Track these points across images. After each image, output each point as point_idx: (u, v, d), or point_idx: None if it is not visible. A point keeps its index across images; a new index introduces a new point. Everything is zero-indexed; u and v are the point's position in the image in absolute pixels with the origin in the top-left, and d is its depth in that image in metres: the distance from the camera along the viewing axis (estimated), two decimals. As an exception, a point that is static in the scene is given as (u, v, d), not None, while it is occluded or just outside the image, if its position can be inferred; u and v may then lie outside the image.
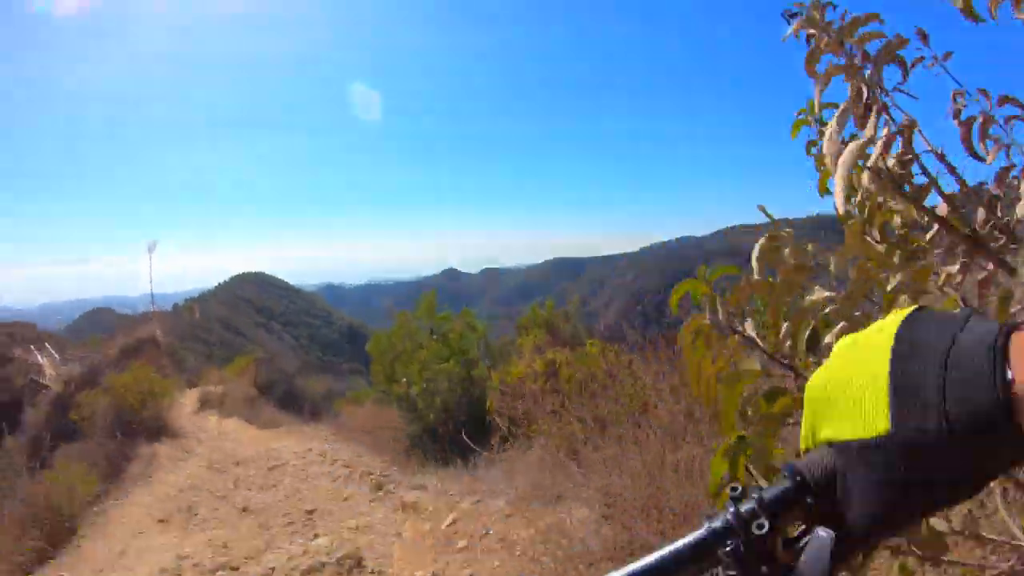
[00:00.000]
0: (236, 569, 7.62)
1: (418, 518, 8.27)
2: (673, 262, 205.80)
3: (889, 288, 1.59)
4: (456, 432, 12.31)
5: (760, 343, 1.66)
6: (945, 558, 1.61)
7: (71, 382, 26.75)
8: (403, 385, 12.76)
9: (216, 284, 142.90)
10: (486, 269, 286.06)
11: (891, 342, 0.63)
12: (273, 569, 7.18)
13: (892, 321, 0.66)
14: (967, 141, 1.61)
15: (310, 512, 9.19)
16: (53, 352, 38.84)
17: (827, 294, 1.57)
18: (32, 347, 41.45)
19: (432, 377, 12.39)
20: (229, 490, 11.33)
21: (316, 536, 8.24)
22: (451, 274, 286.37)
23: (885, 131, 1.55)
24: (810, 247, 1.64)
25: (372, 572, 7.09)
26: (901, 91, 1.63)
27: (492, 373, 12.02)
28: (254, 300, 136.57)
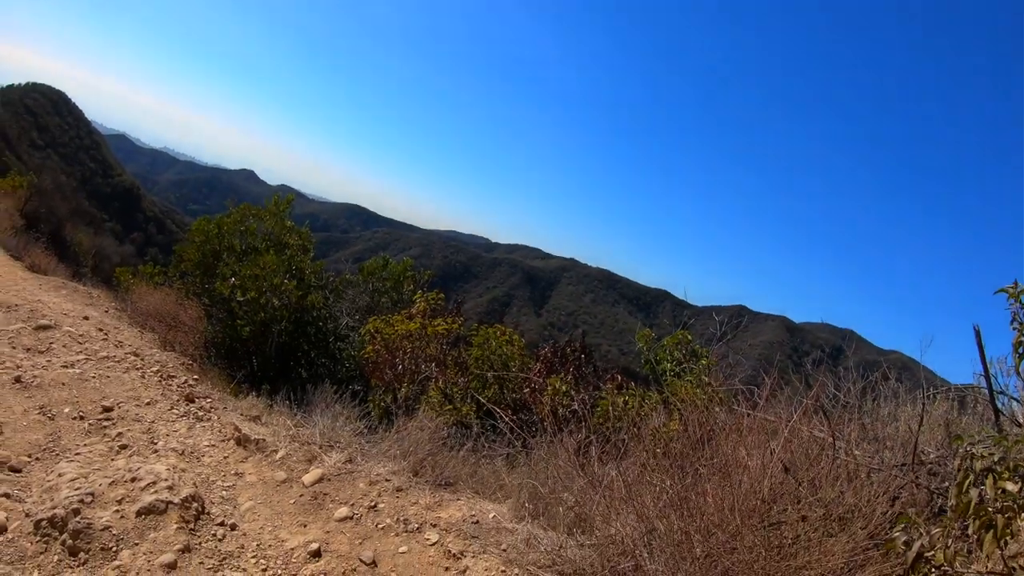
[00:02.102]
0: (18, 472, 5.56)
1: (264, 460, 6.54)
2: (458, 254, 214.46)
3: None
4: (281, 359, 10.72)
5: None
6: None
7: None
8: (228, 285, 10.80)
9: (7, 84, 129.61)
10: (284, 186, 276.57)
11: None
12: (91, 495, 5.16)
13: None
14: None
15: (108, 410, 7.14)
16: None
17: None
18: None
19: (269, 288, 10.57)
20: (-14, 342, 8.95)
21: (123, 448, 6.29)
22: (249, 175, 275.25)
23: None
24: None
25: (223, 525, 5.34)
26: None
27: (371, 320, 10.45)
28: (40, 117, 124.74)
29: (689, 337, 10.30)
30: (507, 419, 7.53)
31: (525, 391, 9.00)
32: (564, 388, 8.47)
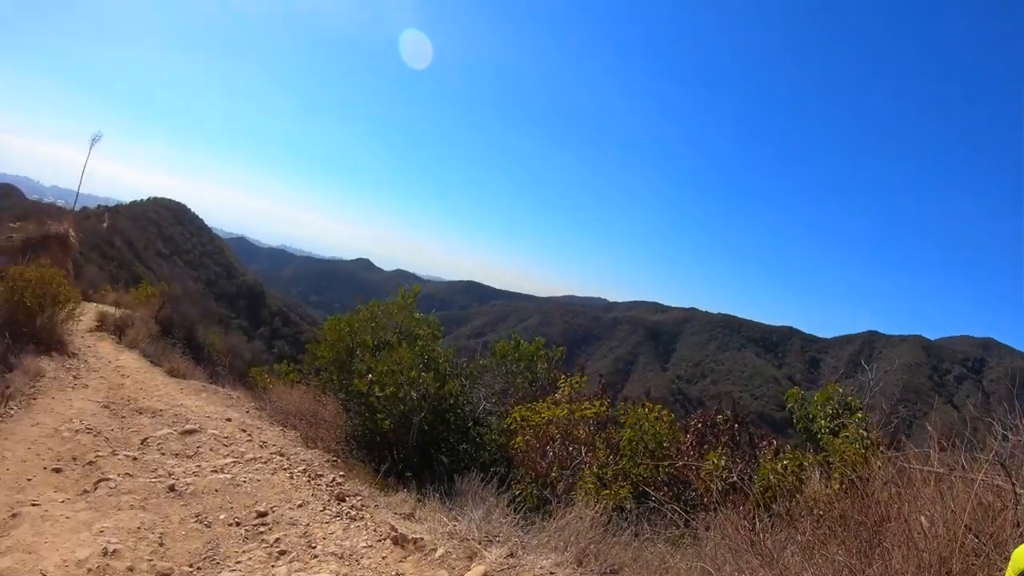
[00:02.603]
0: (185, 585, 5.45)
1: (424, 560, 6.27)
2: (577, 318, 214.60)
3: None
4: (422, 448, 10.57)
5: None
6: None
7: (-42, 256, 23.75)
8: (366, 382, 10.78)
9: (131, 200, 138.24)
10: (399, 270, 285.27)
11: None
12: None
13: None
14: None
15: (262, 515, 7.04)
16: (-57, 216, 35.35)
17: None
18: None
19: (407, 381, 10.48)
20: (137, 448, 9.14)
21: (283, 554, 6.14)
22: (365, 264, 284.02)
23: None
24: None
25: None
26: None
27: (516, 408, 10.28)
28: (164, 228, 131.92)
29: (840, 389, 9.74)
30: (665, 500, 7.19)
31: (678, 464, 8.60)
32: (722, 462, 8.04)
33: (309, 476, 8.67)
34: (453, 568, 6.10)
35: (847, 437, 8.65)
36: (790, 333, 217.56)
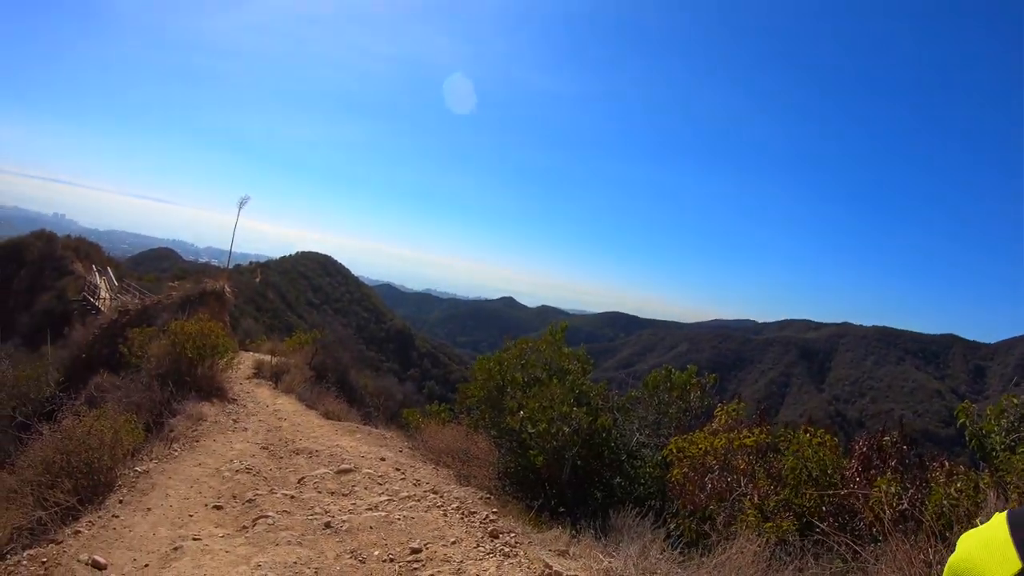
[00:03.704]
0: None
1: (581, 600, 6.02)
2: (727, 342, 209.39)
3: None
4: (575, 484, 10.37)
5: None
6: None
7: (126, 313, 25.40)
8: (518, 419, 10.68)
9: (280, 256, 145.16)
10: (544, 306, 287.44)
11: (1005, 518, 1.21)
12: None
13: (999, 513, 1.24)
14: None
15: (416, 552, 6.96)
16: (112, 277, 38.02)
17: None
18: (94, 267, 40.80)
19: (559, 417, 10.32)
20: (294, 487, 9.31)
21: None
22: (509, 302, 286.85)
23: None
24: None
25: None
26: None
27: (672, 440, 9.99)
28: (313, 279, 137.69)
29: (1016, 400, 8.89)
30: (830, 531, 6.75)
31: (844, 492, 8.05)
32: (894, 489, 7.44)
33: (462, 513, 8.59)
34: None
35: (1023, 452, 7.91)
36: (951, 341, 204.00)
